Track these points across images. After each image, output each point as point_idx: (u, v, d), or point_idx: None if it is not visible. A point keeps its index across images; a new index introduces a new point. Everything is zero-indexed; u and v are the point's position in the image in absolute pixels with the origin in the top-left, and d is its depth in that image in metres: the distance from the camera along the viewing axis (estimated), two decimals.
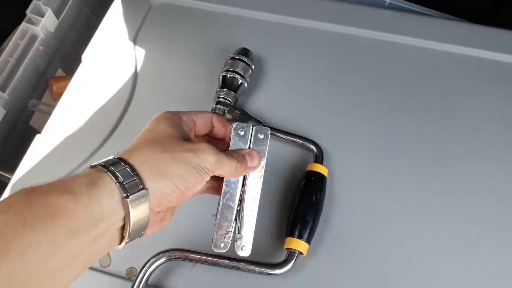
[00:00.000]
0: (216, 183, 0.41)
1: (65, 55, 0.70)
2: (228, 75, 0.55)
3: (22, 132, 0.65)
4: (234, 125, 0.41)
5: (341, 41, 0.61)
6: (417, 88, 0.58)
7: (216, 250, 0.39)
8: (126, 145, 0.54)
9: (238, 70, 0.55)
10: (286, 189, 0.51)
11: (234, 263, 0.45)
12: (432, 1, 0.66)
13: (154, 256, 0.44)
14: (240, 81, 0.55)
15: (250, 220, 0.40)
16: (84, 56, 0.62)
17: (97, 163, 0.32)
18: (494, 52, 0.59)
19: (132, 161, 0.33)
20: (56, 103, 0.60)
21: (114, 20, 0.64)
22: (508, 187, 0.51)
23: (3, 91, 0.58)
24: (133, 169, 0.32)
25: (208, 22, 0.64)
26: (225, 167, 0.37)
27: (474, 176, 0.52)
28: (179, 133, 0.37)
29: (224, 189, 0.39)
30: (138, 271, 0.46)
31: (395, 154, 0.54)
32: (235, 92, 0.55)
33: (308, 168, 0.50)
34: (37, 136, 0.56)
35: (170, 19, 0.64)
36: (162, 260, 0.44)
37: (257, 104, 0.57)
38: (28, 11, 0.61)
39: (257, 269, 0.45)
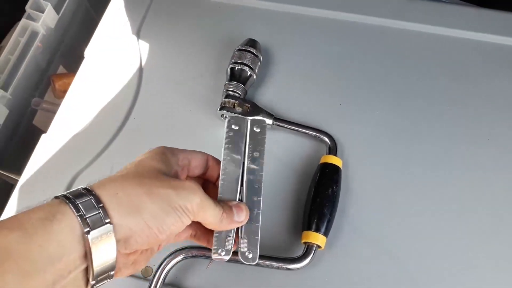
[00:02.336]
0: (200, 230, 0.37)
1: (66, 51, 0.68)
2: (236, 67, 0.54)
3: (25, 131, 0.64)
4: (228, 118, 0.38)
5: (349, 29, 0.60)
6: (428, 75, 0.57)
7: (216, 258, 0.35)
8: (135, 142, 0.54)
9: (246, 62, 0.54)
10: (300, 182, 0.50)
11: None
12: None
13: (171, 254, 0.44)
14: (249, 73, 0.54)
15: (254, 222, 0.35)
16: (87, 52, 0.60)
17: (62, 193, 0.29)
18: (504, 36, 0.58)
19: (99, 192, 0.29)
20: (59, 101, 0.59)
21: (116, 14, 0.63)
22: None
23: (6, 90, 0.57)
24: (98, 201, 0.29)
25: (213, 12, 0.63)
26: (209, 214, 0.33)
27: (489, 162, 0.51)
28: (166, 169, 0.33)
29: (220, 188, 0.36)
30: (153, 270, 0.46)
31: (409, 142, 0.53)
32: (244, 84, 0.54)
33: (322, 160, 0.50)
34: (43, 136, 0.55)
35: (173, 10, 0.63)
36: (180, 258, 0.43)
37: (266, 96, 0.56)
38: (27, 7, 0.59)
39: (276, 264, 0.44)
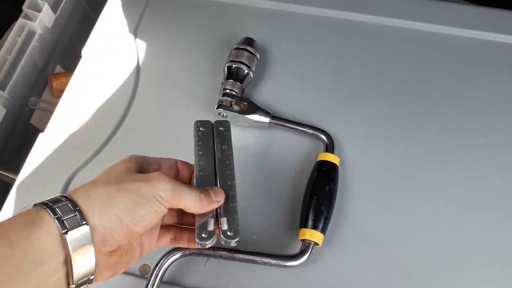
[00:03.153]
0: (179, 232, 0.39)
1: (63, 51, 0.68)
2: (233, 66, 0.54)
3: (23, 131, 0.64)
4: (195, 122, 0.42)
5: (346, 28, 0.60)
6: (425, 72, 0.57)
7: (200, 242, 0.36)
8: (133, 141, 0.54)
9: (243, 60, 0.54)
10: (297, 180, 0.50)
11: (249, 257, 0.45)
12: None
13: (168, 252, 0.44)
14: (246, 71, 0.54)
15: (231, 202, 0.38)
16: (84, 51, 0.60)
17: (40, 201, 0.31)
18: (501, 34, 0.58)
19: (75, 196, 0.31)
20: (56, 100, 0.59)
21: (113, 13, 0.63)
22: None
23: (3, 90, 0.57)
24: (75, 205, 0.30)
25: (209, 11, 0.63)
26: (187, 198, 0.34)
27: (485, 160, 0.52)
28: (136, 168, 0.35)
29: (196, 178, 0.39)
30: (151, 268, 0.46)
31: (406, 140, 0.53)
32: (241, 83, 0.54)
33: (319, 158, 0.50)
34: (41, 135, 0.55)
35: (170, 9, 0.63)
36: (177, 255, 0.43)
37: (263, 94, 0.56)
38: (24, 6, 0.59)
39: (273, 261, 0.44)
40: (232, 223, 0.37)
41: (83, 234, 0.29)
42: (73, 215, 0.29)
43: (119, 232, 0.31)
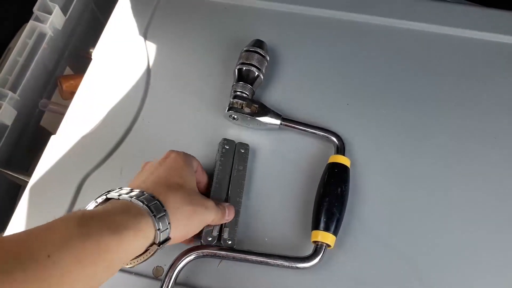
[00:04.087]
0: None
1: (73, 53, 0.68)
2: (244, 68, 0.54)
3: (33, 133, 0.64)
4: (221, 140, 0.51)
5: (355, 29, 0.60)
6: (435, 74, 0.57)
7: (204, 242, 0.45)
8: (144, 143, 0.54)
9: (254, 62, 0.54)
10: (309, 182, 0.51)
11: (262, 258, 0.45)
12: None
13: (182, 254, 0.44)
14: (256, 73, 0.54)
15: (235, 217, 0.47)
16: (95, 54, 0.60)
17: (138, 198, 0.36)
18: (510, 35, 0.59)
19: (168, 207, 0.38)
20: (66, 102, 0.59)
21: (122, 15, 0.63)
22: None
23: (14, 92, 0.57)
24: (168, 217, 0.37)
25: (219, 13, 0.63)
26: (216, 220, 0.44)
27: (496, 161, 0.52)
28: (195, 181, 0.44)
29: (213, 188, 0.48)
30: (165, 269, 0.46)
31: (417, 141, 0.53)
32: (251, 85, 0.54)
33: (331, 160, 0.50)
34: (52, 137, 0.55)
35: (180, 11, 0.63)
36: (191, 257, 0.44)
37: (274, 96, 0.57)
38: (35, 9, 0.59)
39: (285, 263, 0.45)
40: (232, 234, 0.46)
41: (165, 244, 0.37)
42: (166, 228, 0.37)
43: (180, 239, 0.40)
